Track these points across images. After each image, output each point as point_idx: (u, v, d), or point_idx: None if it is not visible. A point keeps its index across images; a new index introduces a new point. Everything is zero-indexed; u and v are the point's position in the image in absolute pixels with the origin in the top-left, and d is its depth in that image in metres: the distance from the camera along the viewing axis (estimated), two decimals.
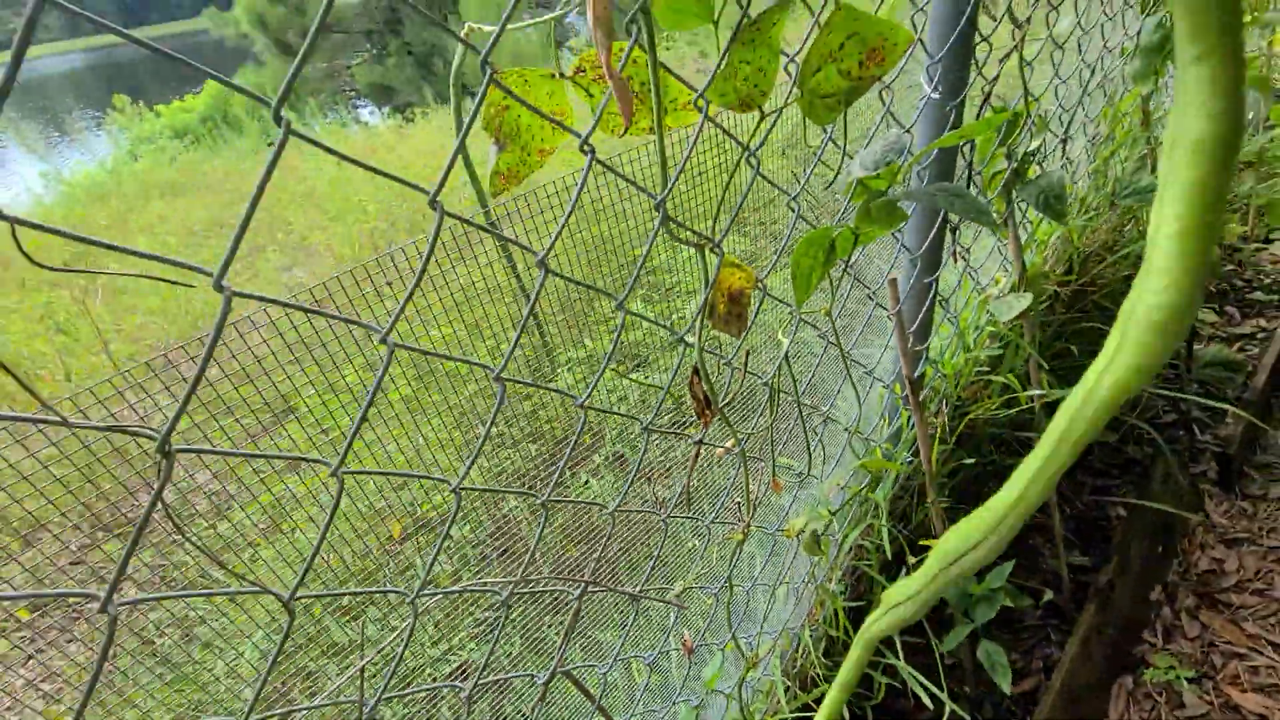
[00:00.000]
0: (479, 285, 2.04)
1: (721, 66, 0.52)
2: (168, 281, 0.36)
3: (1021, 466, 0.22)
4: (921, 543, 0.97)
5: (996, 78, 0.92)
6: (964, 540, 0.22)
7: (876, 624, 0.25)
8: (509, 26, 0.39)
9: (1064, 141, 1.28)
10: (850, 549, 1.11)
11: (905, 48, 0.62)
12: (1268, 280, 2.30)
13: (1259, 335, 2.09)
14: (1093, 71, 1.21)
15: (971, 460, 1.15)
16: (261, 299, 0.37)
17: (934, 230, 0.93)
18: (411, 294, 0.42)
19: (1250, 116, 2.75)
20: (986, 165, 1.08)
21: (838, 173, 0.68)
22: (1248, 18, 1.69)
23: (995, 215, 1.18)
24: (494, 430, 1.96)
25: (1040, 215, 1.05)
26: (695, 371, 0.56)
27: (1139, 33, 1.31)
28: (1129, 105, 1.39)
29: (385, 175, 0.40)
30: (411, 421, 1.82)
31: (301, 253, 4.38)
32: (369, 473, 1.53)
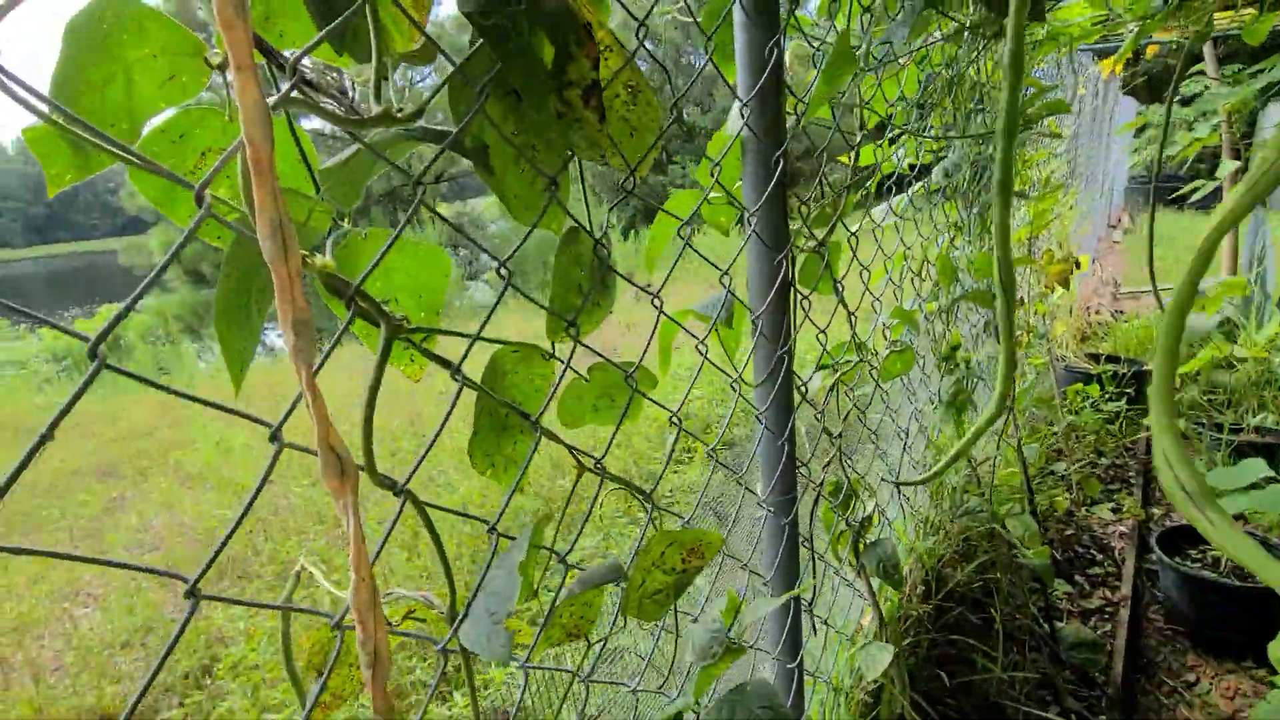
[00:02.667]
0: None
1: (544, 627, 0.56)
2: None
3: None
4: None
5: (822, 482, 1.05)
6: None
7: None
8: None
9: (898, 486, 1.45)
10: None
11: (719, 544, 0.70)
12: (1098, 549, 2.56)
13: (1107, 610, 2.26)
14: (907, 433, 1.43)
15: None
16: None
17: (785, 629, 0.98)
18: None
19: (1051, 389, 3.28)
20: (832, 534, 1.18)
21: (676, 652, 0.72)
22: None
23: (849, 568, 1.27)
24: None
25: (883, 578, 1.14)
26: None
27: (939, 391, 1.58)
28: (944, 443, 1.63)
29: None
30: None
31: (164, 513, 3.98)
32: None
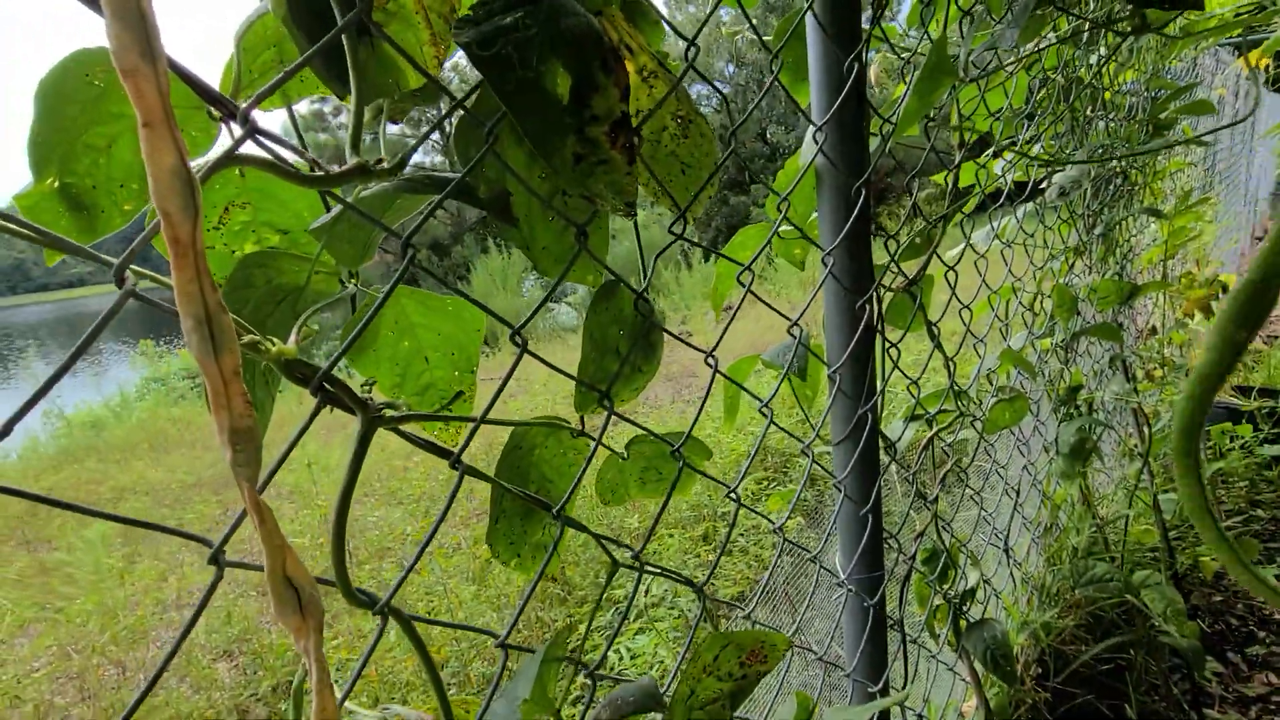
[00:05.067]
0: None
1: None
2: None
3: None
4: None
5: (915, 553, 0.91)
6: None
7: None
8: None
9: (1007, 551, 1.26)
10: None
11: (785, 647, 0.59)
12: (1258, 623, 2.17)
13: (1274, 700, 1.89)
14: (1018, 492, 1.24)
15: None
16: None
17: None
18: None
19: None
20: (927, 609, 1.03)
21: None
22: None
23: (948, 648, 1.10)
24: None
25: (990, 670, 0.97)
26: None
27: (1056, 439, 1.37)
28: (1063, 499, 1.42)
29: None
30: None
31: None
32: None
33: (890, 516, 2.44)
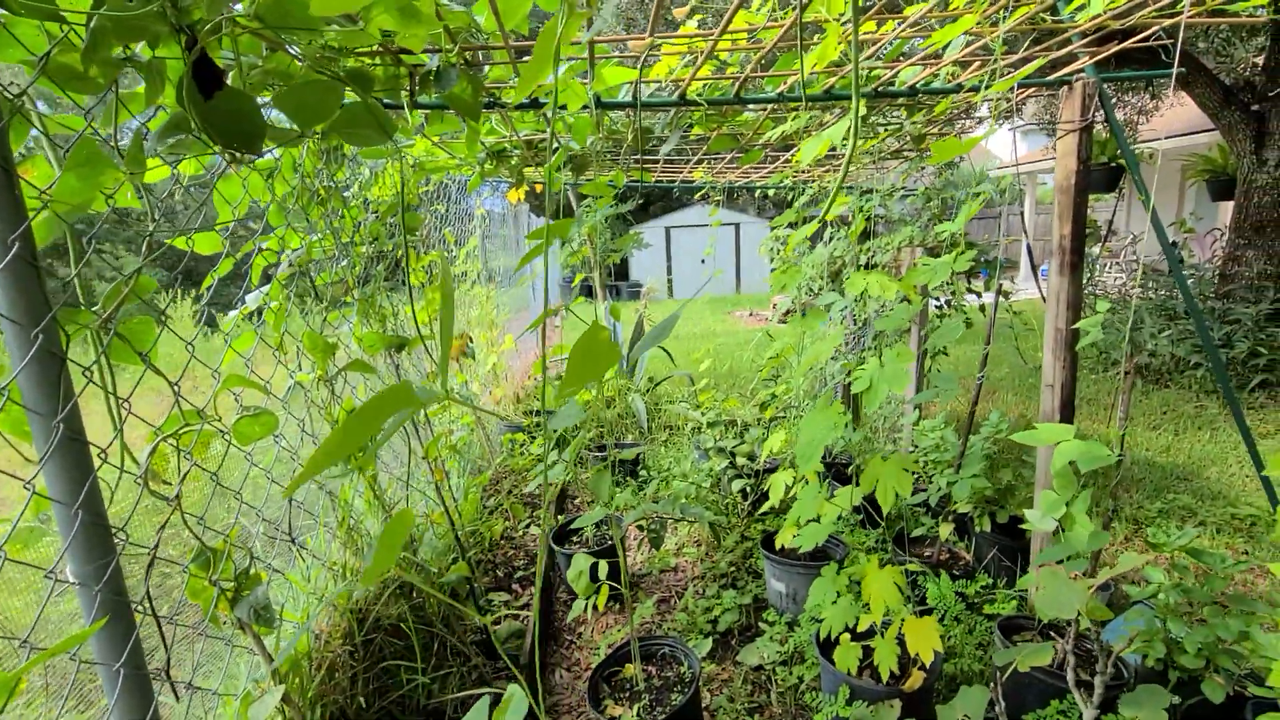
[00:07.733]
0: None
1: None
2: None
3: None
4: None
5: (156, 544, 1.10)
6: None
7: None
8: None
9: (293, 540, 1.58)
10: None
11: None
12: (528, 559, 3.25)
13: (529, 602, 2.90)
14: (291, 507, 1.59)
15: None
16: None
17: (117, 702, 0.97)
18: None
19: None
20: (203, 599, 1.22)
21: None
22: None
23: (232, 627, 1.32)
24: None
25: (257, 623, 1.25)
26: None
27: None
28: (347, 495, 1.87)
29: None
30: None
31: None
32: None
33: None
